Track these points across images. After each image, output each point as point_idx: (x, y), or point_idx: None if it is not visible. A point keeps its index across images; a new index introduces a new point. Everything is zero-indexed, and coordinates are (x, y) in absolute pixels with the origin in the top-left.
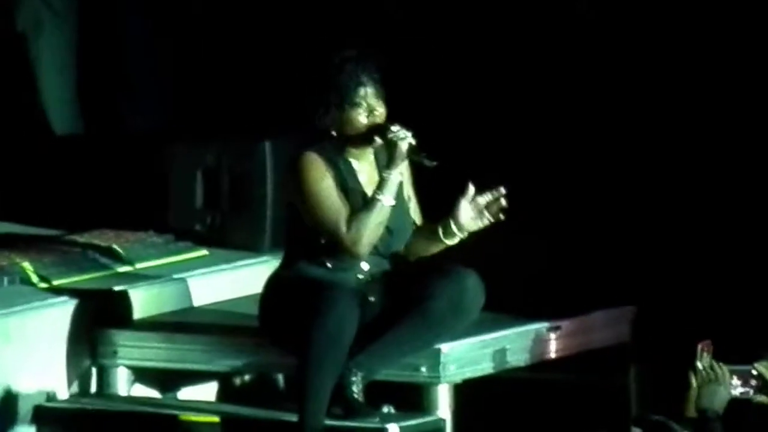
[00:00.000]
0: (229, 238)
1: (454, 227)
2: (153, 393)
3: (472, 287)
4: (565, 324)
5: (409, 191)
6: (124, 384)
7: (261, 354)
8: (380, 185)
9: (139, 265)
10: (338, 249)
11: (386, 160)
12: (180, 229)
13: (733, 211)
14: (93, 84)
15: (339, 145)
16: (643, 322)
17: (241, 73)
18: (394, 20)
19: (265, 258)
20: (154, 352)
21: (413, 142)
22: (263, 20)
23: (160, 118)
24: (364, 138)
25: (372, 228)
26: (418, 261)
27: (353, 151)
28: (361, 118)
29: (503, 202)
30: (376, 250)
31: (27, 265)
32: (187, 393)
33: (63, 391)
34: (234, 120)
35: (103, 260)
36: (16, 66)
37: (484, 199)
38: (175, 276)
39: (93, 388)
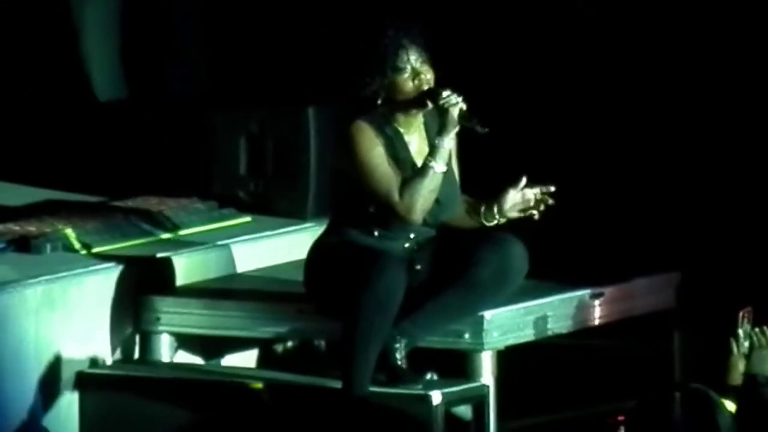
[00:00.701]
0: (272, 205)
1: (496, 212)
2: (196, 359)
3: (517, 254)
4: (608, 290)
5: (454, 163)
6: (167, 350)
7: (304, 321)
8: (432, 152)
9: (182, 232)
10: (391, 217)
11: (438, 127)
12: (223, 195)
13: None
14: (137, 50)
15: (388, 113)
16: (688, 289)
17: (285, 39)
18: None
19: (308, 225)
20: (196, 318)
21: (464, 107)
22: None
23: (204, 85)
24: (413, 103)
25: (425, 195)
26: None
27: (402, 119)
28: (408, 83)
29: (550, 200)
30: (424, 221)
31: (70, 231)
32: (230, 359)
33: (106, 357)
34: (278, 86)
35: (147, 227)
36: (61, 33)
37: (533, 193)
38: (219, 243)
39: (136, 355)
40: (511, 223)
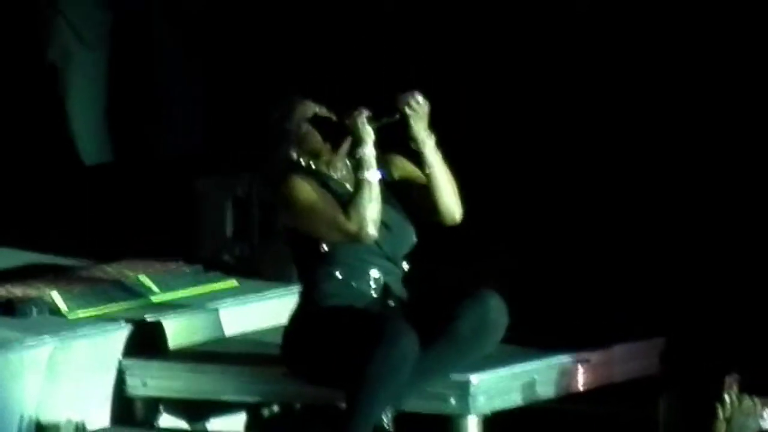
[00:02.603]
0: (258, 269)
1: (419, 143)
2: (182, 424)
3: (496, 308)
4: (594, 356)
5: (407, 187)
6: (153, 415)
7: (290, 384)
8: (358, 166)
9: (168, 296)
10: (346, 241)
11: (353, 142)
12: (210, 259)
13: (764, 243)
14: (124, 113)
15: (310, 165)
16: (673, 354)
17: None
18: (385, 14)
19: (294, 288)
20: (182, 382)
21: (367, 112)
22: (292, 51)
23: (191, 148)
24: (330, 146)
25: (370, 206)
26: (439, 284)
27: (328, 166)
28: (313, 134)
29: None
30: (381, 252)
31: (56, 295)
32: (216, 424)
33: (92, 422)
34: (265, 151)
35: (133, 290)
36: (46, 97)
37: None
38: (205, 306)
39: (122, 419)
40: (496, 287)
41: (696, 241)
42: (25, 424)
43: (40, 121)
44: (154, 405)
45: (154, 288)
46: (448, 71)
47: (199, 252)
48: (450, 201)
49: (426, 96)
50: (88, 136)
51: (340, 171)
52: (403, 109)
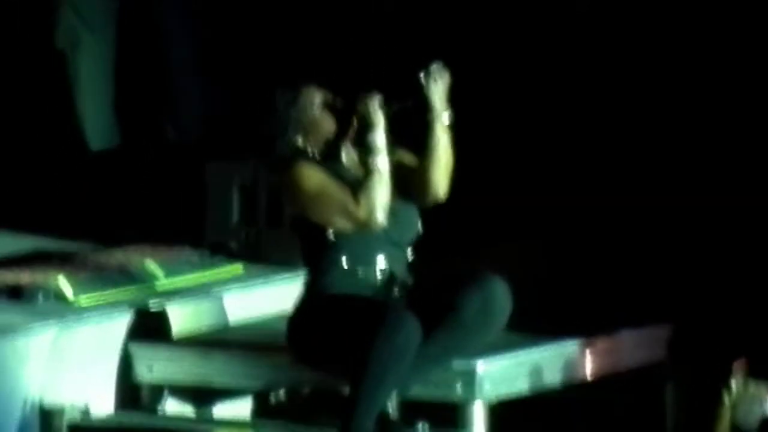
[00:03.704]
0: (264, 254)
1: (434, 115)
2: (188, 409)
3: (500, 293)
4: (600, 343)
5: (406, 169)
6: (158, 400)
7: (296, 370)
8: (367, 152)
9: (174, 281)
10: (354, 228)
11: (363, 127)
12: (216, 244)
13: None
14: (130, 99)
15: (321, 156)
16: (679, 341)
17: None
18: (384, 13)
19: (300, 274)
20: (188, 368)
21: (380, 97)
22: (302, 41)
23: (198, 133)
24: (338, 133)
25: (379, 191)
26: (445, 269)
27: (336, 157)
28: (323, 121)
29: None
30: (388, 238)
31: (62, 280)
32: (222, 410)
33: (98, 407)
34: (271, 136)
35: (138, 276)
36: (53, 82)
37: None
38: (211, 292)
39: (128, 404)
40: (502, 274)
41: (703, 228)
42: (29, 408)
43: (48, 106)
44: (159, 390)
45: (160, 273)
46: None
47: (205, 238)
48: (440, 179)
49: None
50: (95, 122)
51: (347, 158)
52: (423, 77)
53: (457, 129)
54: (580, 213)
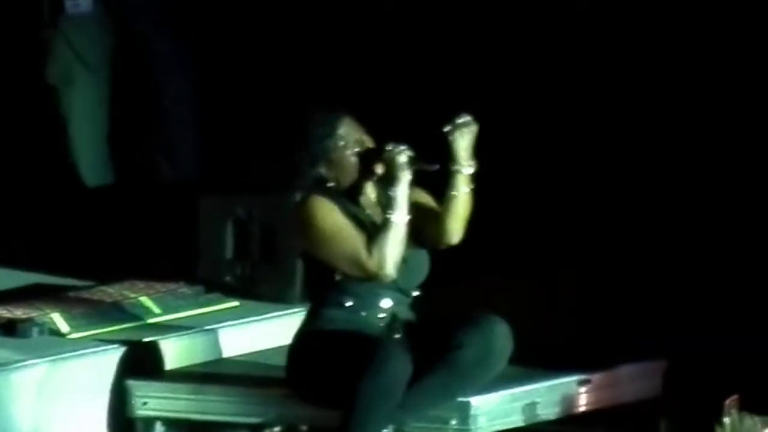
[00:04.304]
0: (259, 290)
1: (453, 164)
2: None
3: (501, 335)
4: (595, 377)
5: (421, 211)
6: None
7: (291, 406)
8: (388, 204)
9: (169, 317)
10: (360, 282)
11: (388, 179)
12: (210, 280)
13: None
14: (125, 135)
15: (340, 191)
16: (675, 376)
17: (274, 124)
18: (385, 13)
19: (295, 309)
20: (183, 403)
21: (410, 153)
22: (294, 73)
23: (192, 169)
24: (362, 175)
25: (393, 246)
26: (446, 310)
27: (355, 194)
28: (350, 159)
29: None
30: (395, 285)
31: (57, 315)
32: None
33: None
34: (266, 171)
35: (134, 311)
36: (48, 119)
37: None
38: (205, 327)
39: None
40: (496, 306)
41: (700, 263)
42: None
43: (42, 142)
44: (154, 425)
45: (155, 309)
46: (448, 71)
47: (199, 273)
48: (457, 228)
49: (430, 101)
50: (90, 158)
51: (367, 196)
52: (449, 130)
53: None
54: (575, 244)
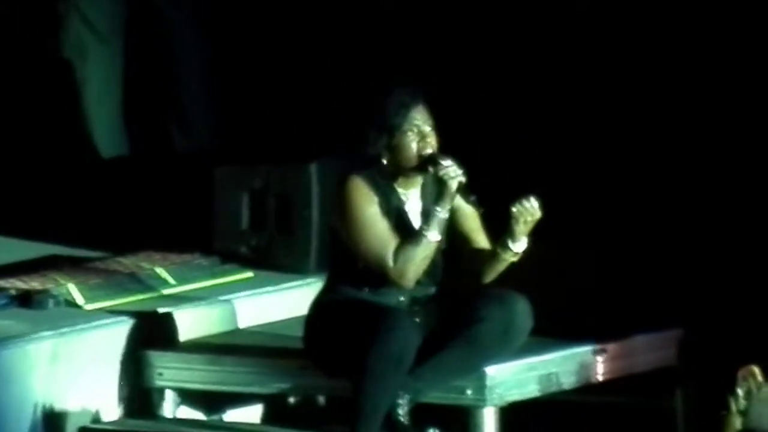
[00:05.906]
0: (274, 261)
1: (507, 238)
2: (198, 415)
3: (522, 312)
4: (610, 347)
5: (460, 229)
6: (169, 406)
7: (306, 377)
8: (428, 221)
9: (184, 287)
10: (382, 277)
11: (435, 195)
12: (226, 251)
13: None
14: (140, 106)
15: (388, 172)
16: (691, 345)
17: (290, 94)
18: (384, 11)
19: (310, 280)
20: (199, 373)
21: (464, 180)
22: (313, 45)
23: (208, 140)
24: (414, 166)
25: (418, 262)
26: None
27: (401, 178)
28: (411, 146)
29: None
30: (418, 281)
31: (72, 287)
32: (232, 415)
33: (108, 412)
34: (281, 142)
35: (149, 282)
36: (62, 91)
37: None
38: (221, 298)
39: (138, 410)
40: (514, 278)
41: (714, 232)
42: (39, 414)
43: (57, 114)
44: (169, 396)
45: (170, 280)
46: (448, 71)
47: (215, 244)
48: (485, 280)
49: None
50: (105, 130)
51: (412, 179)
52: (516, 209)
53: (457, 129)
54: (592, 216)
